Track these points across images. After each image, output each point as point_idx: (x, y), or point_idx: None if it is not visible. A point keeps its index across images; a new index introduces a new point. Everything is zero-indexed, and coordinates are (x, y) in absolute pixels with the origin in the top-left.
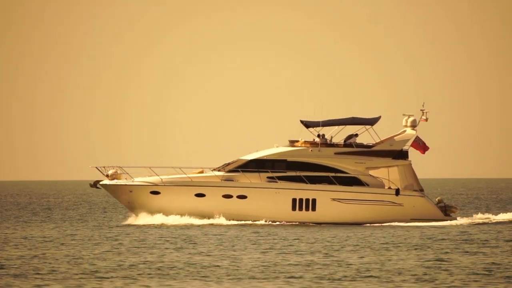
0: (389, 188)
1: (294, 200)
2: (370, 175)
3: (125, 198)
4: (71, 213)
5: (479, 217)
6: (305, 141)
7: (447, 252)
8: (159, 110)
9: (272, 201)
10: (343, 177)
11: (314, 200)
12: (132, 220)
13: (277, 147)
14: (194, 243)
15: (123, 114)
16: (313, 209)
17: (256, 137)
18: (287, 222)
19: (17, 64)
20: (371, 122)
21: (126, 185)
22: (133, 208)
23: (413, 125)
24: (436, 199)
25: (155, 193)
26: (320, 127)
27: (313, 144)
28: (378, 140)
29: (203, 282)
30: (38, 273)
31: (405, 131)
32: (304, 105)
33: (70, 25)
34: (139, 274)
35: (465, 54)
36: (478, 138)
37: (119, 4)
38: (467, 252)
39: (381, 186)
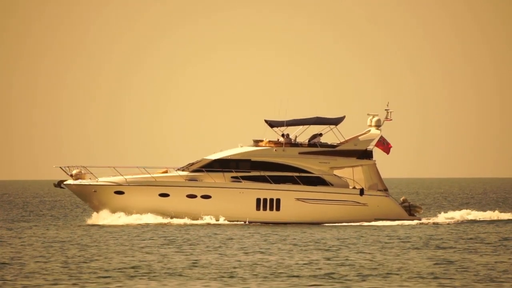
0: (354, 188)
1: (258, 200)
2: (335, 175)
3: (89, 198)
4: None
5: (444, 217)
6: (269, 141)
7: (406, 252)
8: (122, 110)
9: (236, 201)
10: (308, 177)
11: (278, 200)
12: (96, 220)
13: (242, 146)
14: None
15: (87, 114)
16: (277, 209)
17: (220, 136)
18: (251, 222)
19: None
20: (336, 121)
21: (90, 185)
22: (97, 208)
23: (378, 125)
24: (401, 199)
25: (119, 193)
26: (285, 127)
27: (277, 144)
28: (342, 140)
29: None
30: None
31: (369, 130)
32: (269, 104)
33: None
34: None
35: (431, 53)
36: (445, 137)
37: (116, 4)
38: (424, 251)
39: (346, 186)
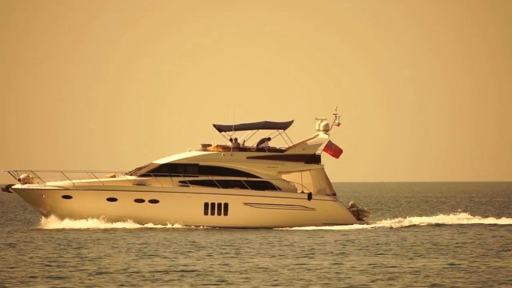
0: (302, 192)
1: (206, 204)
2: (283, 179)
3: (37, 203)
4: None
5: (391, 221)
6: (217, 145)
7: (347, 255)
8: (69, 114)
9: (184, 205)
10: (255, 182)
11: (226, 205)
12: (44, 224)
13: (190, 151)
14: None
15: (33, 117)
16: (225, 213)
17: (169, 141)
18: (199, 226)
19: None
20: (284, 126)
21: (38, 189)
22: (45, 212)
23: (326, 129)
24: (349, 204)
25: (67, 197)
26: (233, 131)
27: (225, 148)
28: (291, 145)
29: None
30: None
31: (317, 135)
32: (218, 109)
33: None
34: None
35: (376, 58)
36: (392, 142)
37: (113, 5)
38: (366, 255)
39: (294, 190)
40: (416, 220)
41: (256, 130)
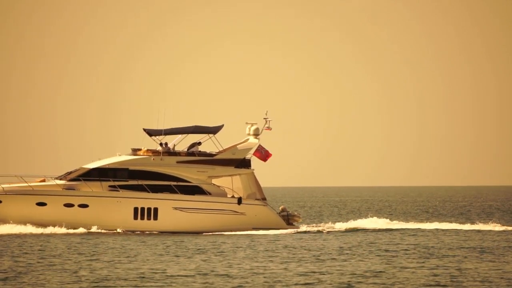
0: (232, 197)
1: (135, 209)
2: (213, 184)
3: None
4: None
5: (322, 226)
6: (147, 150)
7: (272, 260)
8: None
9: (113, 210)
10: (185, 186)
11: (155, 209)
12: None
13: (120, 155)
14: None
15: None
16: (155, 218)
17: (99, 145)
18: (128, 231)
19: None
20: (214, 130)
21: None
22: None
23: (256, 134)
24: (280, 208)
25: None
26: (163, 136)
27: (155, 152)
28: (221, 149)
29: None
30: None
31: (248, 139)
32: (148, 113)
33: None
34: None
35: (312, 61)
36: (324, 146)
37: (110, 3)
38: (298, 260)
39: (224, 195)
40: (340, 225)
41: (186, 135)
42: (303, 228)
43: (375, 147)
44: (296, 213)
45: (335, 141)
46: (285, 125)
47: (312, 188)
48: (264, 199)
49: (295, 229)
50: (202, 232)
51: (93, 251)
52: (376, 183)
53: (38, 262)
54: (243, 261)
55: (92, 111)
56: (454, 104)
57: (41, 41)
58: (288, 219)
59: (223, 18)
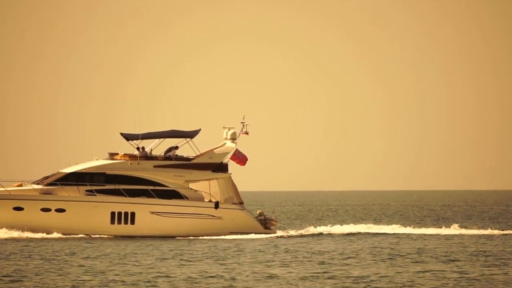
0: (209, 201)
1: (112, 214)
2: (190, 188)
3: None
4: None
5: (300, 230)
6: (124, 154)
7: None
8: None
9: (90, 214)
10: (162, 190)
11: (133, 214)
12: None
13: (97, 160)
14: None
15: None
16: (132, 222)
17: (76, 149)
18: (105, 235)
19: None
20: (191, 134)
21: None
22: None
23: (233, 138)
24: (257, 212)
25: None
26: (140, 140)
27: (132, 157)
28: (198, 153)
29: None
30: None
31: (225, 143)
32: (125, 117)
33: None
34: None
35: (312, 61)
36: (324, 146)
37: (110, 4)
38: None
39: (201, 199)
40: (323, 229)
41: (163, 139)
42: (278, 232)
43: (375, 147)
44: (273, 217)
45: (335, 141)
46: (285, 125)
47: (314, 192)
48: (241, 203)
49: (272, 233)
50: (179, 237)
51: (87, 256)
52: (376, 187)
53: (35, 267)
54: (204, 265)
55: (68, 116)
56: (454, 104)
57: (41, 41)
58: (266, 223)
59: (223, 18)
